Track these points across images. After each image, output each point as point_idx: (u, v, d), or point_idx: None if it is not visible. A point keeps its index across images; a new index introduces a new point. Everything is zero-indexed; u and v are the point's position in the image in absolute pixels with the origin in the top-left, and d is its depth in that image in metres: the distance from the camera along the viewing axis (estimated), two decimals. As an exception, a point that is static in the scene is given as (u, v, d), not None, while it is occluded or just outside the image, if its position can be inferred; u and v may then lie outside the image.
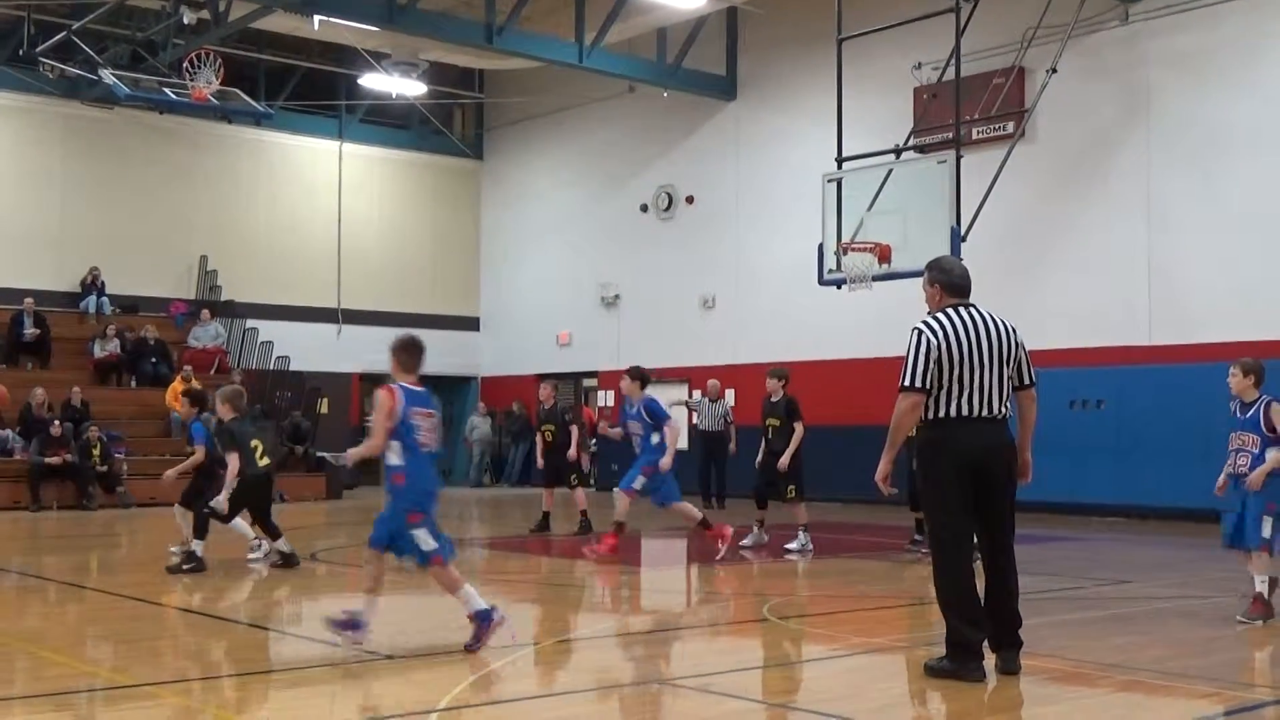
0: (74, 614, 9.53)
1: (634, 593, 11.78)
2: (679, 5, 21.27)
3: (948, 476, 6.54)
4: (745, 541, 13.57)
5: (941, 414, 6.53)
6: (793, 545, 13.21)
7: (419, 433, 7.36)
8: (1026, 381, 6.75)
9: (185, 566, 11.42)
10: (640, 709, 6.34)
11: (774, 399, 13.61)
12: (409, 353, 7.60)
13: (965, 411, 6.49)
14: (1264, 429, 8.69)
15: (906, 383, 6.51)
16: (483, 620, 7.40)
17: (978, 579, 6.68)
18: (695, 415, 21.06)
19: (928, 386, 6.49)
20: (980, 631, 6.54)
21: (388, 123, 28.29)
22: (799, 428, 13.32)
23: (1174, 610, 9.78)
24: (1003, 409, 6.58)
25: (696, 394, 21.70)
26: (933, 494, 6.68)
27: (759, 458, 13.69)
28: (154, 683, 6.70)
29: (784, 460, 13.18)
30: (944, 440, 6.55)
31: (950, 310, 6.64)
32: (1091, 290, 18.83)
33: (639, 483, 12.77)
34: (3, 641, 7.68)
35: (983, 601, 6.63)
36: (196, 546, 11.46)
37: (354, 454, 7.80)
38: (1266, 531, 8.68)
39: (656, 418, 12.99)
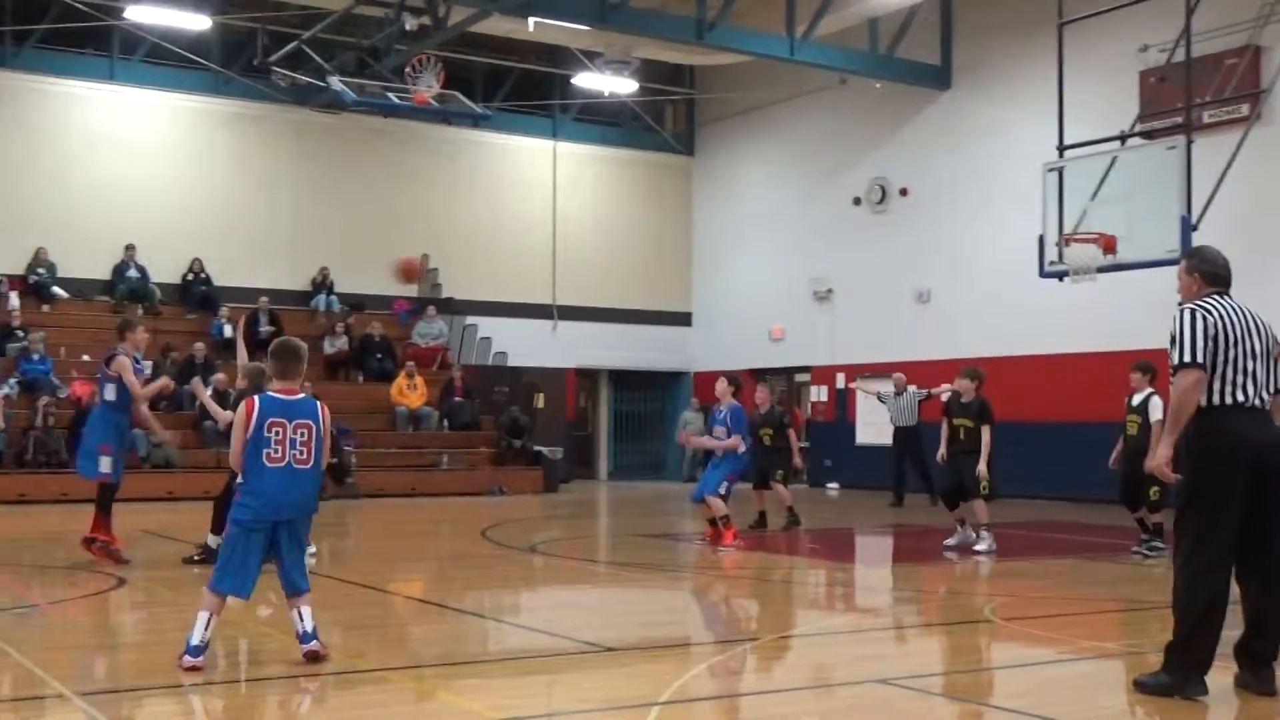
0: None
1: (849, 590, 11.69)
2: (892, -6, 20.97)
3: (1220, 470, 6.05)
4: (950, 541, 13.32)
5: (1216, 400, 6.09)
6: (981, 546, 12.88)
7: (270, 445, 6.74)
8: (1278, 385, 6.37)
9: (197, 558, 11.10)
10: (860, 708, 6.28)
11: (965, 399, 13.24)
12: (277, 359, 7.02)
13: (1241, 399, 6.08)
14: None
15: (1186, 359, 6.05)
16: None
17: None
18: (887, 409, 20.73)
19: (1206, 362, 6.05)
20: (1211, 649, 6.04)
21: (600, 121, 28.67)
22: (988, 432, 12.91)
23: None
24: (1270, 401, 6.20)
25: (887, 387, 21.06)
26: (1200, 486, 6.12)
27: (942, 456, 13.37)
28: (386, 668, 6.94)
29: (981, 467, 12.83)
30: (1220, 429, 6.08)
31: (1221, 299, 6.25)
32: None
33: (723, 488, 13.61)
34: (242, 625, 8.05)
35: (1251, 613, 6.17)
36: (212, 540, 10.82)
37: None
38: None
39: (737, 425, 13.69)
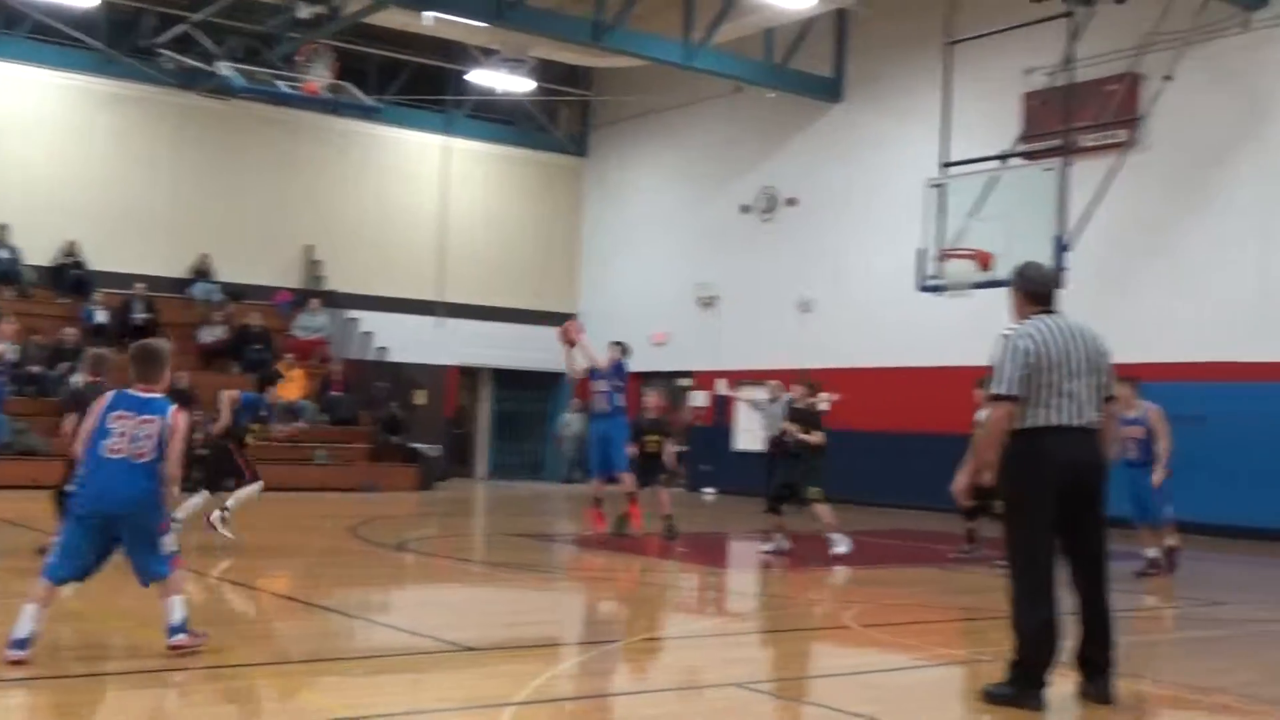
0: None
1: (717, 594, 11.76)
2: (787, 6, 21.16)
3: (1038, 489, 6.24)
4: (767, 547, 13.60)
5: (1033, 424, 6.24)
6: (841, 549, 13.22)
7: (110, 437, 6.68)
8: (1109, 394, 6.49)
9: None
10: (717, 712, 6.32)
11: (799, 406, 13.74)
12: (134, 363, 6.97)
13: (1058, 421, 6.21)
14: None
15: (998, 390, 6.26)
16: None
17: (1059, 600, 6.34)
18: (762, 416, 20.88)
19: (1020, 394, 6.22)
20: (1049, 659, 6.19)
21: (493, 118, 28.52)
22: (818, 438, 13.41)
23: (1269, 634, 9.53)
24: (1094, 418, 6.31)
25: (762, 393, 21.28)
26: (1020, 507, 6.36)
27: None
28: (247, 664, 6.83)
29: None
30: (1035, 451, 6.25)
31: (1036, 318, 6.39)
32: (1198, 304, 18.39)
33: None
34: (100, 619, 7.87)
35: (1081, 625, 6.34)
36: None
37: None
38: None
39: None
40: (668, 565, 13.07)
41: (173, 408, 6.88)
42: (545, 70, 26.03)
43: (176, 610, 6.71)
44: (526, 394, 29.39)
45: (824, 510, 13.31)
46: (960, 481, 6.56)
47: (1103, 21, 17.48)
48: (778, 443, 18.29)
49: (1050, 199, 15.34)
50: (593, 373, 14.70)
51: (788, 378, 21.75)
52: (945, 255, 15.97)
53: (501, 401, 29.19)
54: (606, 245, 28.96)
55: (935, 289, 16.34)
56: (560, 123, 29.67)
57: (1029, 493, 6.29)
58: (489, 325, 27.84)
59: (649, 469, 15.32)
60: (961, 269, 15.75)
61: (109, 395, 6.90)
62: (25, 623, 6.42)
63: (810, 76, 23.93)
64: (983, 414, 12.54)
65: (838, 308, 23.61)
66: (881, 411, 21.68)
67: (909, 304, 19.83)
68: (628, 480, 14.54)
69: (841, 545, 13.20)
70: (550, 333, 28.50)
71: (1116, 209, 17.49)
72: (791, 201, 24.86)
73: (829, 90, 24.15)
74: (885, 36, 23.03)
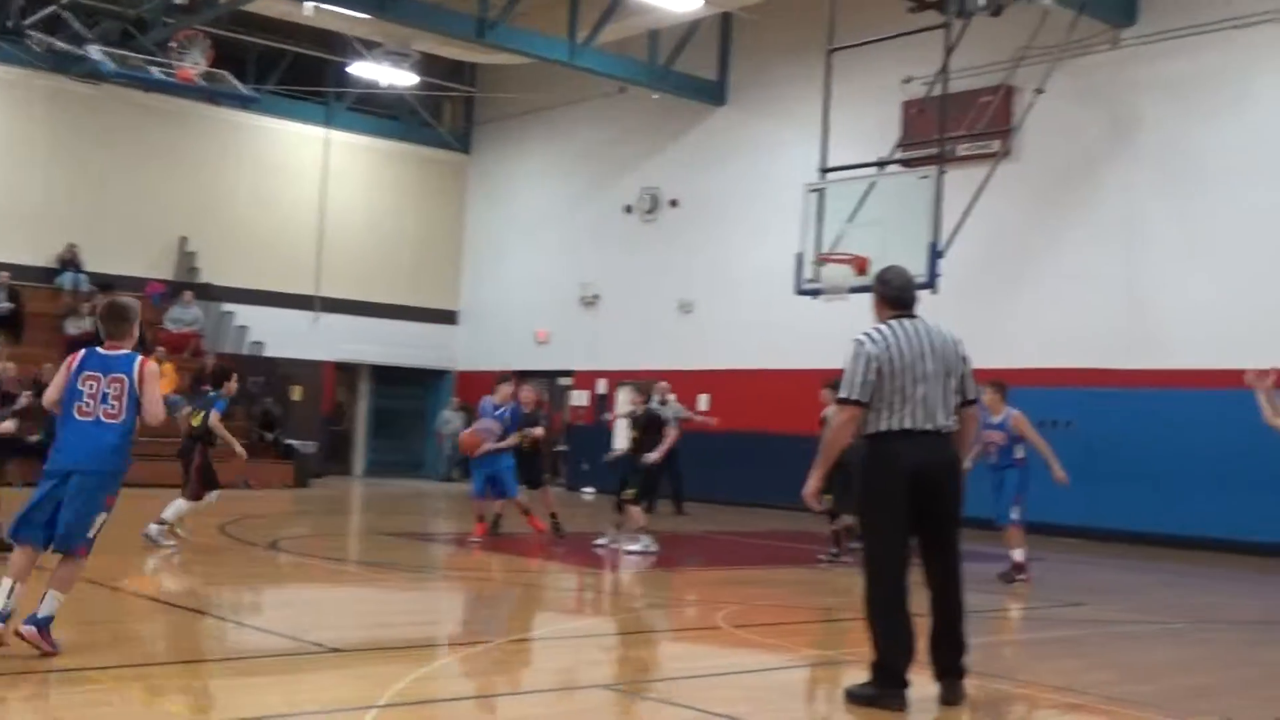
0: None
1: (591, 594, 11.74)
2: (673, 8, 21.23)
3: (888, 492, 6.32)
4: (601, 541, 13.93)
5: (883, 428, 6.32)
6: (635, 546, 13.47)
7: (80, 399, 6.71)
8: (969, 397, 6.58)
9: None
10: (583, 713, 6.30)
11: (637, 412, 14.26)
12: (101, 320, 7.04)
13: (907, 425, 6.29)
14: None
15: (844, 394, 6.33)
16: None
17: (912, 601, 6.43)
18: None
19: (866, 399, 6.31)
20: (906, 658, 6.28)
21: (376, 112, 28.18)
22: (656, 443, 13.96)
23: (1125, 634, 9.78)
24: (947, 422, 6.38)
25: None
26: (871, 510, 6.46)
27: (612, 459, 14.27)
28: (107, 666, 6.63)
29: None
30: (885, 455, 6.34)
31: (892, 322, 6.47)
32: (1068, 311, 18.86)
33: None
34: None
35: (931, 626, 6.44)
36: None
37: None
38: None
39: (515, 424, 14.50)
40: (544, 565, 13.02)
41: (139, 359, 6.82)
42: (429, 65, 25.80)
43: (48, 605, 6.58)
44: (405, 391, 29.10)
45: (635, 511, 13.58)
46: (810, 486, 6.62)
47: (979, 34, 17.83)
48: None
49: (926, 206, 15.58)
50: (491, 409, 14.51)
51: (669, 379, 21.93)
52: (823, 259, 16.14)
53: (380, 398, 28.87)
54: (489, 242, 28.81)
55: (813, 293, 16.50)
56: (444, 118, 29.44)
57: (880, 496, 6.38)
58: (368, 321, 27.51)
59: (532, 468, 15.20)
60: (839, 273, 15.93)
61: (79, 354, 6.85)
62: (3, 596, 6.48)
63: (694, 79, 24.05)
64: (829, 414, 12.99)
65: (719, 309, 23.76)
66: (762, 413, 21.86)
67: (789, 307, 20.00)
68: (520, 499, 14.47)
69: (638, 544, 13.44)
70: (431, 329, 28.43)
71: (990, 217, 17.85)
72: (674, 203, 24.97)
73: (713, 93, 24.30)
74: (769, 42, 23.23)
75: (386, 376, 28.61)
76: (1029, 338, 18.78)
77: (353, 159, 27.96)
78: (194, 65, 21.06)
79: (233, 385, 13.11)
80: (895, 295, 6.58)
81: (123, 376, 6.74)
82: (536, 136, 27.89)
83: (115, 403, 6.71)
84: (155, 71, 21.23)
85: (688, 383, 21.69)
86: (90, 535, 6.71)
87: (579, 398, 26.32)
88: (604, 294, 26.04)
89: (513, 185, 28.41)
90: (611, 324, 25.75)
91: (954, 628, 6.44)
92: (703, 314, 24.11)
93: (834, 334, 20.22)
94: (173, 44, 21.15)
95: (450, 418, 27.48)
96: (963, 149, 19.10)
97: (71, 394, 6.72)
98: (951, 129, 17.06)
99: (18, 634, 6.48)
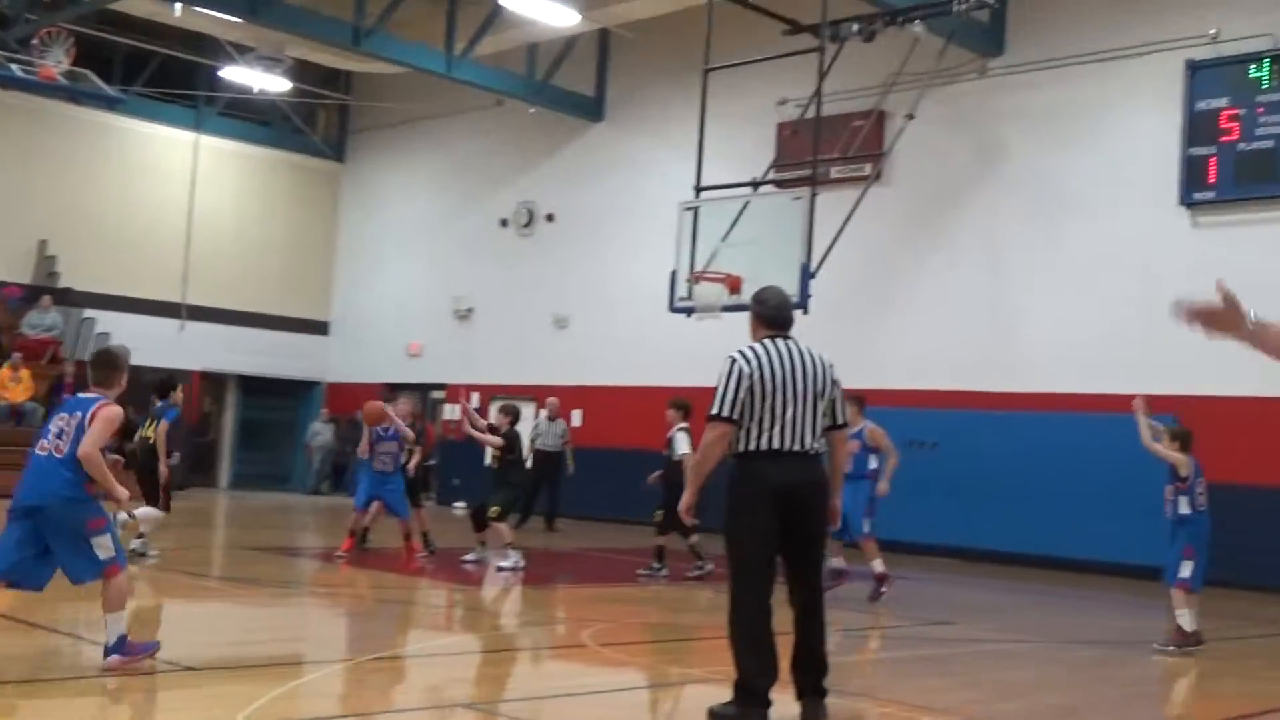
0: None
1: (459, 611, 11.63)
2: (551, 22, 21.21)
3: (753, 512, 6.34)
4: (469, 558, 13.91)
5: (751, 447, 6.35)
6: (506, 563, 13.44)
7: (48, 437, 6.94)
8: (839, 421, 6.63)
9: None
10: (444, 733, 6.21)
11: (503, 430, 14.17)
12: (91, 366, 7.44)
13: (775, 445, 6.32)
14: None
15: (714, 411, 6.33)
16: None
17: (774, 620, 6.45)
18: (533, 432, 20.84)
19: (737, 417, 6.33)
20: (769, 678, 6.30)
21: (247, 117, 27.66)
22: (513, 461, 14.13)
23: (990, 653, 9.97)
24: (815, 445, 6.44)
25: (542, 413, 21.33)
26: (736, 529, 6.44)
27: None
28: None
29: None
30: (752, 474, 6.37)
31: (766, 341, 6.50)
32: (935, 334, 19.23)
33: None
34: None
35: (794, 645, 6.45)
36: None
37: None
38: (1185, 572, 9.91)
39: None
40: (412, 581, 12.86)
41: (99, 402, 6.98)
42: (303, 71, 25.44)
43: (111, 629, 6.79)
44: (274, 402, 28.56)
45: (502, 528, 13.58)
46: (685, 501, 6.62)
47: (852, 59, 18.13)
48: (546, 459, 18.32)
49: (798, 227, 15.75)
50: (384, 431, 14.25)
51: (542, 394, 21.87)
52: (697, 278, 16.22)
53: (248, 409, 28.29)
54: (362, 253, 28.45)
55: (686, 311, 16.58)
56: (318, 126, 28.99)
57: (746, 516, 6.39)
58: (236, 330, 26.93)
59: (410, 486, 14.98)
60: (712, 291, 16.02)
61: (63, 399, 7.34)
62: None
63: (572, 94, 24.06)
64: (674, 434, 13.30)
65: (594, 325, 23.76)
66: (636, 430, 21.86)
67: (662, 324, 20.09)
68: (409, 523, 14.31)
69: (509, 561, 13.44)
70: (302, 340, 27.94)
71: (861, 240, 18.13)
72: (550, 217, 24.93)
73: (590, 109, 24.33)
74: (647, 60, 23.34)
75: (255, 387, 28.05)
76: (897, 359, 19.10)
77: (223, 164, 27.41)
78: (56, 64, 20.49)
79: (179, 394, 13.11)
80: (771, 315, 6.63)
81: (77, 416, 6.93)
82: (412, 147, 27.64)
83: (65, 438, 6.88)
84: (15, 69, 20.60)
85: (561, 398, 21.61)
86: (99, 558, 6.84)
87: (451, 411, 26.09)
88: (478, 307, 25.88)
89: (387, 195, 28.11)
90: (486, 338, 25.60)
91: (816, 647, 6.48)
92: (577, 329, 24.09)
93: (707, 352, 20.43)
94: (35, 41, 20.55)
95: (320, 430, 27.08)
96: (835, 171, 19.39)
97: (41, 433, 7.02)
98: (824, 152, 17.29)
99: (108, 669, 6.75)
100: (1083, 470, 17.08)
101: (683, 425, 13.36)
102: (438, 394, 26.63)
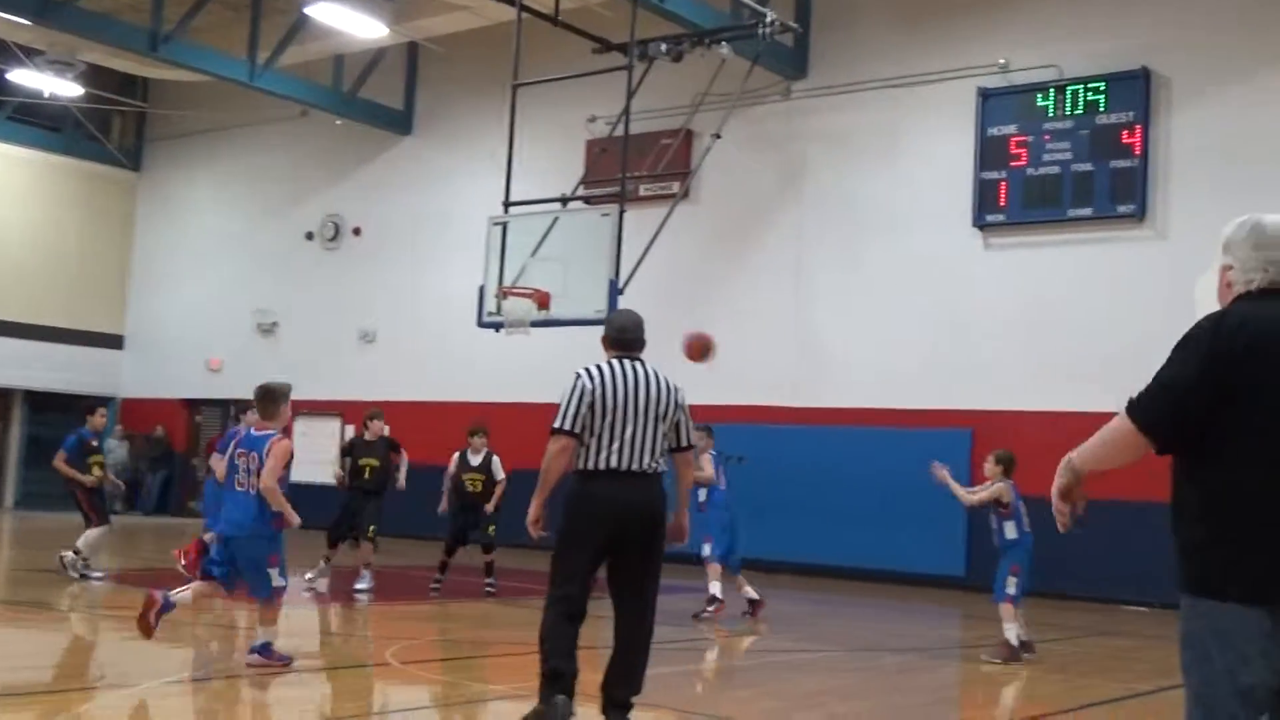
0: None
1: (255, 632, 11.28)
2: (358, 34, 20.91)
3: (584, 528, 6.42)
4: (310, 575, 13.66)
5: (589, 465, 6.45)
6: (361, 585, 13.38)
7: (239, 473, 8.13)
8: (683, 444, 6.70)
9: None
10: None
11: (371, 440, 14.35)
12: (256, 401, 8.44)
13: (614, 464, 6.41)
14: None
15: (557, 425, 6.43)
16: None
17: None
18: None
19: (578, 431, 6.42)
20: (568, 668, 6.37)
21: (38, 123, 26.52)
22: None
23: (794, 663, 10.14)
24: (653, 465, 6.50)
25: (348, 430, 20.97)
26: (563, 541, 6.51)
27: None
28: None
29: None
30: (588, 491, 6.45)
31: (613, 361, 6.62)
32: (742, 350, 19.48)
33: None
34: None
35: (611, 660, 6.49)
36: None
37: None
38: (1012, 589, 10.17)
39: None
40: (208, 603, 12.43)
41: (272, 438, 8.12)
42: (98, 77, 24.52)
43: (263, 636, 8.11)
44: (65, 419, 27.28)
45: (369, 546, 13.62)
46: (531, 513, 6.58)
47: (661, 78, 18.33)
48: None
49: (607, 243, 15.80)
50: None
51: (349, 410, 21.48)
52: (506, 293, 16.13)
53: (35, 426, 27.05)
54: (160, 264, 27.55)
55: (495, 326, 16.48)
56: (114, 134, 28.00)
57: (575, 530, 6.46)
58: (22, 343, 25.74)
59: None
60: (521, 307, 15.94)
61: (240, 433, 8.64)
62: (178, 593, 8.12)
63: (380, 107, 23.75)
64: (477, 458, 13.60)
65: (402, 340, 23.47)
66: (446, 445, 21.60)
67: (472, 339, 19.95)
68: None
69: (365, 582, 13.41)
70: (94, 353, 26.87)
71: (669, 256, 18.33)
72: (357, 231, 24.56)
73: (398, 122, 24.06)
74: (456, 74, 23.20)
75: (43, 403, 26.85)
76: (704, 375, 19.22)
77: (10, 171, 26.23)
78: None
79: (97, 420, 13.39)
80: (615, 336, 6.77)
81: (257, 454, 8.08)
82: (214, 157, 26.90)
83: (255, 475, 8.05)
84: None
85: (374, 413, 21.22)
86: (273, 584, 8.15)
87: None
88: (283, 321, 25.30)
89: (187, 206, 27.29)
90: (290, 352, 25.02)
91: (632, 667, 6.51)
92: (385, 344, 23.76)
93: (516, 368, 20.45)
94: None
95: (114, 447, 26.04)
96: (644, 189, 19.56)
97: (231, 469, 8.21)
98: (633, 169, 17.42)
99: (249, 665, 8.07)
100: (885, 483, 17.55)
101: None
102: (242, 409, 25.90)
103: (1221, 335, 3.45)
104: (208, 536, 14.02)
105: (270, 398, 8.29)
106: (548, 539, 6.57)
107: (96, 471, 13.19)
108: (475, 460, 13.83)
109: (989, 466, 10.53)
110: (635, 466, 6.44)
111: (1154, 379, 3.54)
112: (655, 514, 6.55)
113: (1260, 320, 3.46)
